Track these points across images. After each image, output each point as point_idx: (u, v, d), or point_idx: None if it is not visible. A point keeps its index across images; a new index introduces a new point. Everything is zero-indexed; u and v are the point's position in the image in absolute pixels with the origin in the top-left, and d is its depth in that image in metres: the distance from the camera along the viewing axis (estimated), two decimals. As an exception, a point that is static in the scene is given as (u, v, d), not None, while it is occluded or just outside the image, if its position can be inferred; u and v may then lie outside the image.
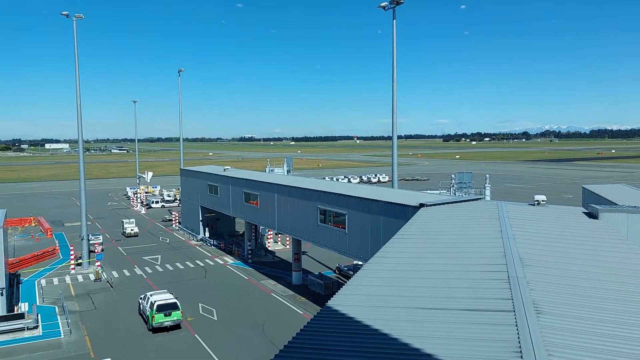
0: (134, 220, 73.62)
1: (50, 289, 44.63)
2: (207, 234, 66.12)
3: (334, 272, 49.18)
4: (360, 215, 34.66)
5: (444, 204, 29.21)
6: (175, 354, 31.37)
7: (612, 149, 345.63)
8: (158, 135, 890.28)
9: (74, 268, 50.58)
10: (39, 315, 36.16)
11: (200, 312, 38.58)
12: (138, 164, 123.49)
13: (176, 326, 34.91)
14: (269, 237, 61.43)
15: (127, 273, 50.34)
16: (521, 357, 9.32)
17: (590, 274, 15.44)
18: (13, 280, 45.51)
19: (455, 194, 48.79)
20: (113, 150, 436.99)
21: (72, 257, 51.40)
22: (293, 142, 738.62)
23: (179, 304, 35.25)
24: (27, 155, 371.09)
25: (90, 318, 37.61)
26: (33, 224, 77.65)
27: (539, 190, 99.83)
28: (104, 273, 48.65)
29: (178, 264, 53.61)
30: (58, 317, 37.42)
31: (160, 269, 51.70)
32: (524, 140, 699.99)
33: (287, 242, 60.07)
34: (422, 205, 28.40)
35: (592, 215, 24.34)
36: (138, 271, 50.94)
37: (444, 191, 53.92)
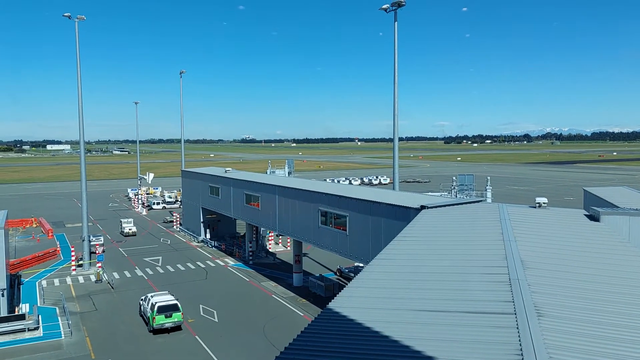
0: (132, 219, 73.82)
1: (51, 290, 44.64)
2: (208, 236, 66.11)
3: (335, 274, 49.12)
4: (362, 217, 34.62)
5: (445, 206, 29.16)
6: (176, 355, 31.33)
7: (613, 152, 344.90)
8: (159, 136, 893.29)
9: (75, 269, 50.60)
10: (40, 316, 36.18)
11: (201, 313, 38.55)
12: (139, 165, 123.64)
13: (177, 328, 34.88)
14: (269, 238, 61.42)
15: (128, 274, 50.34)
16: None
17: (592, 276, 15.39)
18: (14, 281, 45.51)
19: (456, 196, 48.75)
20: (114, 152, 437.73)
21: (73, 258, 51.45)
22: (294, 144, 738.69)
23: (179, 305, 35.22)
24: (29, 157, 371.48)
25: (91, 319, 37.60)
26: (34, 225, 77.70)
27: (540, 193, 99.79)
28: (104, 274, 48.64)
29: (179, 266, 53.60)
30: (59, 318, 37.42)
31: (161, 270, 51.70)
32: (525, 142, 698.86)
33: (288, 244, 60.02)
34: (423, 207, 28.36)
35: (593, 218, 24.27)
36: (139, 272, 50.94)
37: (445, 193, 53.85)
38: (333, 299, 13.90)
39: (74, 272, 50.06)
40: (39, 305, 39.44)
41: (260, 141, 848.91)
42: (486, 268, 15.79)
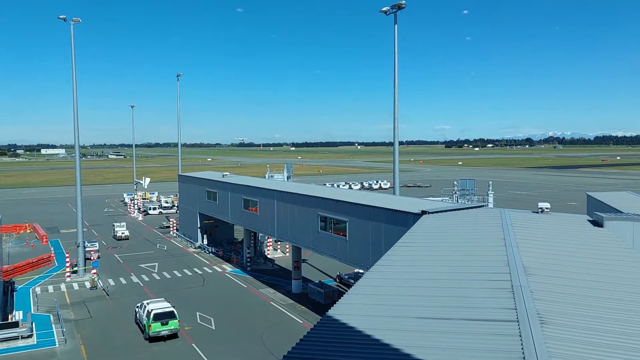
0: (125, 223, 73.42)
1: (45, 297, 44.14)
2: (205, 241, 65.68)
3: (335, 280, 48.74)
4: (362, 223, 34.31)
5: (446, 211, 28.91)
6: (172, 363, 30.87)
7: (617, 156, 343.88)
8: (156, 140, 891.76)
9: (70, 276, 50.08)
10: (34, 323, 35.69)
11: (198, 321, 38.11)
12: (135, 169, 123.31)
13: (173, 335, 34.45)
14: (268, 244, 61.02)
15: (123, 281, 49.84)
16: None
17: (595, 283, 15.26)
18: (7, 288, 45.11)
19: (457, 201, 48.43)
20: (110, 156, 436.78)
21: (67, 264, 50.90)
22: (293, 148, 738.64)
23: (176, 312, 34.82)
24: (23, 161, 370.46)
25: (86, 327, 37.12)
26: (28, 231, 77.20)
27: (542, 198, 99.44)
28: (99, 281, 48.16)
29: (175, 272, 53.12)
30: (53, 325, 36.95)
31: (158, 277, 51.22)
32: (527, 146, 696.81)
33: (287, 250, 59.63)
34: (424, 212, 28.09)
35: (597, 223, 24.05)
36: (135, 279, 50.44)
37: (447, 198, 53.61)
38: (333, 306, 13.76)
39: (68, 279, 49.54)
40: (32, 312, 39.01)
41: (259, 145, 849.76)
42: (488, 274, 15.70)
